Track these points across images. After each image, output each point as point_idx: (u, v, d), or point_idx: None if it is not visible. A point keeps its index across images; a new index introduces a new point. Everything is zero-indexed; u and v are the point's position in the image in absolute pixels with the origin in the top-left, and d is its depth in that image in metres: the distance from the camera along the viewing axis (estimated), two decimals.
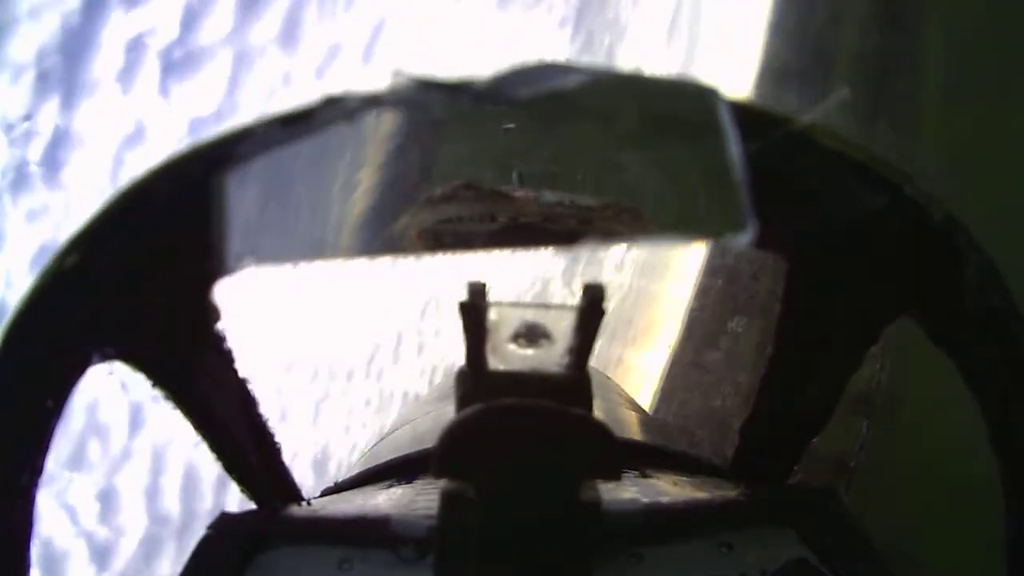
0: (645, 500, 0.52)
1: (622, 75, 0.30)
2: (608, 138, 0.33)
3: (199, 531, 0.49)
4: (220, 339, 0.43)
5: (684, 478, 0.70)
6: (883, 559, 0.47)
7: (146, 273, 0.36)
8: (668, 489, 0.61)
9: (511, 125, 0.33)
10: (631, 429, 0.91)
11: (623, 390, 1.18)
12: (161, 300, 0.37)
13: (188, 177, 0.33)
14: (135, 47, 5.52)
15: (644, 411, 1.09)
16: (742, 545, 0.49)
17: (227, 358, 0.44)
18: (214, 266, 0.33)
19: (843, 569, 0.47)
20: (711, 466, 0.76)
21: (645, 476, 0.64)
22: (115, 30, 5.48)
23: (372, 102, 0.29)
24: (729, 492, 0.53)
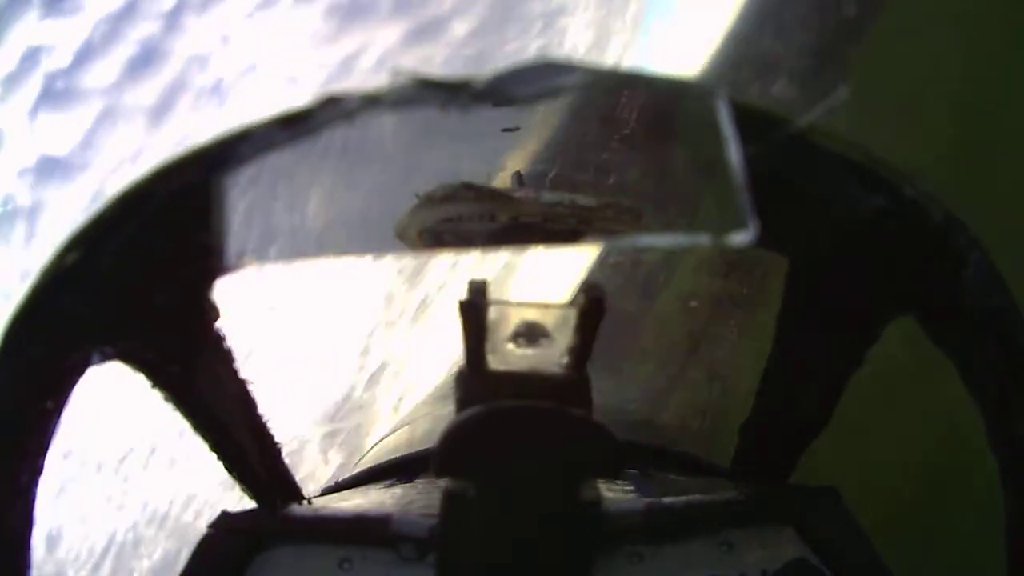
0: (645, 500, 0.52)
1: (622, 74, 0.30)
2: (608, 138, 0.33)
3: None
4: (220, 338, 0.43)
5: (684, 478, 0.70)
6: (882, 557, 0.47)
7: (146, 272, 0.36)
8: (668, 489, 0.61)
9: (512, 127, 0.33)
10: (629, 428, 0.91)
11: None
12: (161, 300, 0.37)
13: (188, 177, 0.33)
14: (30, 58, 5.49)
15: (643, 411, 1.09)
16: (742, 544, 0.49)
17: (227, 357, 0.44)
18: (214, 266, 0.33)
19: (843, 568, 0.47)
20: (711, 466, 0.76)
21: (646, 476, 0.64)
22: (23, 32, 5.43)
23: (372, 102, 0.29)
24: (729, 492, 0.53)
